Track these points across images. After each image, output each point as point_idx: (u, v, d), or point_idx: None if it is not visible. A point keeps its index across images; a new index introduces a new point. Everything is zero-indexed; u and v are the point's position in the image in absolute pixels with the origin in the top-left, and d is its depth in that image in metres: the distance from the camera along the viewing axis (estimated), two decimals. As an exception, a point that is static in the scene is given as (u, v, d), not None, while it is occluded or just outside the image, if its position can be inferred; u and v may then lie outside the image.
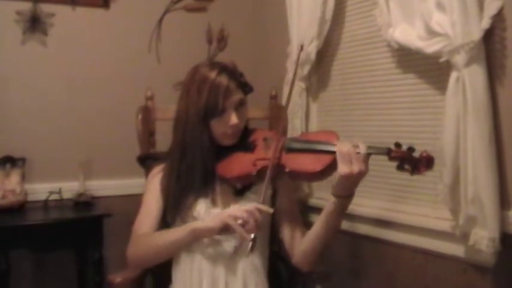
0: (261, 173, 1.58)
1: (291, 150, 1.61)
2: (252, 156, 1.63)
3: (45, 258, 2.76)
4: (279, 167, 1.58)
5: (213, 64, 1.69)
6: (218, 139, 1.66)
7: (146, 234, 1.64)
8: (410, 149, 1.49)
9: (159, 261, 1.68)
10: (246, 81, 1.68)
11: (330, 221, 1.57)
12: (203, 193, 1.65)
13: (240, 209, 1.49)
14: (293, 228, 1.72)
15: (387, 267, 2.21)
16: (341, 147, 1.47)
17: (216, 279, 1.61)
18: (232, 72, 1.66)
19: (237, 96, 1.63)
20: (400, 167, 1.49)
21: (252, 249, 1.46)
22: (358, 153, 1.46)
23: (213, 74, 1.62)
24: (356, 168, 1.45)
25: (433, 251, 1.99)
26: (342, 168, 1.46)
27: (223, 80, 1.61)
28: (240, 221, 1.46)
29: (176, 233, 1.58)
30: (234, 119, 1.62)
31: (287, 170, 1.57)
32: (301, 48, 1.90)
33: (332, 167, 1.51)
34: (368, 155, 1.48)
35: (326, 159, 1.52)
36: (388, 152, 1.49)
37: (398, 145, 1.50)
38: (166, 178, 1.70)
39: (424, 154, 1.48)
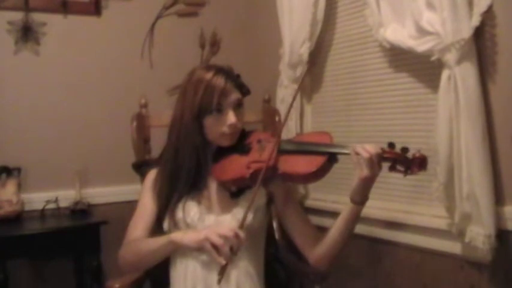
0: (254, 176, 1.57)
1: (284, 152, 1.59)
2: (246, 159, 1.62)
3: (43, 267, 2.75)
4: (271, 169, 1.57)
5: (209, 66, 1.70)
6: (216, 140, 1.66)
7: (136, 239, 1.64)
8: (404, 150, 1.47)
9: (146, 267, 1.71)
10: (243, 82, 1.68)
11: (348, 226, 1.57)
12: (192, 195, 1.64)
13: (217, 233, 1.45)
14: (302, 230, 1.69)
15: (384, 267, 2.21)
16: (371, 150, 1.45)
17: (210, 286, 1.60)
18: (228, 73, 1.66)
19: (235, 95, 1.63)
20: (392, 168, 1.48)
21: (220, 281, 1.46)
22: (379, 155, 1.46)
23: (209, 75, 1.62)
24: (376, 170, 1.46)
25: (429, 249, 1.99)
26: (365, 172, 1.45)
27: (220, 80, 1.61)
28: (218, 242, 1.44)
29: (157, 242, 1.58)
30: (232, 117, 1.61)
31: (280, 172, 1.56)
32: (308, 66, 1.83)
33: (325, 168, 1.51)
34: (379, 155, 1.46)
35: (319, 161, 1.51)
36: (382, 153, 1.47)
37: (391, 145, 1.48)
38: (159, 179, 1.70)
39: (417, 154, 1.46)
